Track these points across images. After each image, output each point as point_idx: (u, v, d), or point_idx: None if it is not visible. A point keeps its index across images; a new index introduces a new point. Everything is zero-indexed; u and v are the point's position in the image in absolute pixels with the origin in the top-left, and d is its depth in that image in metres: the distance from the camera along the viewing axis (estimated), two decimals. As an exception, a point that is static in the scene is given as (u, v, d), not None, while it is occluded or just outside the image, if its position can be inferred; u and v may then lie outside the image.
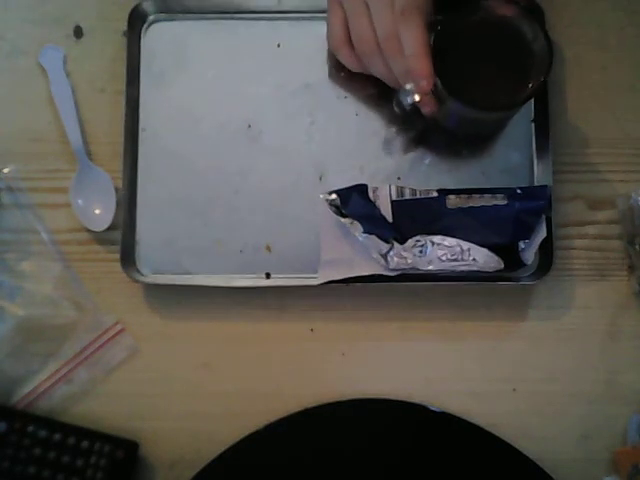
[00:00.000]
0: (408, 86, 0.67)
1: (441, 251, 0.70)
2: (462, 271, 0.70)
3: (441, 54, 0.65)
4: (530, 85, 0.66)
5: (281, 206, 0.74)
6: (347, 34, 0.70)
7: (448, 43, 0.66)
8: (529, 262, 0.71)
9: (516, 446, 0.70)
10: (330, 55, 0.75)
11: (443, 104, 0.68)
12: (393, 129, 0.75)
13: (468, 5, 0.66)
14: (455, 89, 0.65)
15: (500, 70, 0.67)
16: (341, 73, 0.74)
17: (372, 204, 0.71)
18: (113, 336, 0.73)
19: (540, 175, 0.74)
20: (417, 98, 0.67)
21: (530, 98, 0.67)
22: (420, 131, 0.74)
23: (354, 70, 0.72)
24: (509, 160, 0.74)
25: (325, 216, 0.72)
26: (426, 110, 0.69)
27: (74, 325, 0.73)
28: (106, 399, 0.73)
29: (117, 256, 0.72)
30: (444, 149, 0.74)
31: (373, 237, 0.70)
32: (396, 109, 0.72)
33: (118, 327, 0.73)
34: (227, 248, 0.73)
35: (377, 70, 0.70)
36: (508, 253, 0.70)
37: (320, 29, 0.75)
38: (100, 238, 0.74)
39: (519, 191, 0.71)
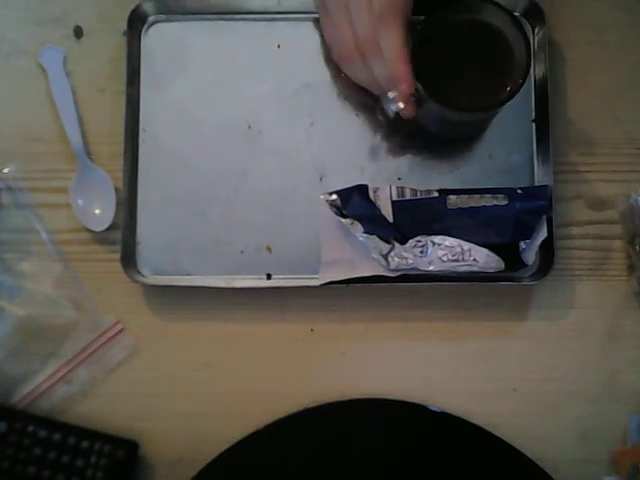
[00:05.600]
0: (391, 94, 0.67)
1: (442, 251, 0.70)
2: (463, 271, 0.70)
3: (420, 55, 0.65)
4: (509, 86, 0.66)
5: (281, 207, 0.74)
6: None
7: (427, 44, 0.66)
8: (530, 262, 0.71)
9: (516, 446, 0.70)
10: (328, 58, 0.75)
11: (424, 106, 0.68)
12: (379, 136, 0.75)
13: (448, 5, 0.66)
14: (434, 90, 0.65)
15: (479, 71, 0.67)
16: (342, 74, 0.74)
17: (373, 204, 0.71)
18: (113, 336, 0.73)
19: (540, 175, 0.74)
20: (401, 105, 0.67)
21: (509, 100, 0.66)
22: (405, 135, 0.74)
23: (360, 82, 0.72)
24: (510, 160, 0.74)
25: (326, 217, 0.72)
26: (406, 113, 0.68)
27: (74, 325, 0.73)
28: (106, 399, 0.73)
29: (117, 256, 0.72)
30: (437, 150, 0.74)
31: (374, 237, 0.70)
32: (380, 117, 0.73)
33: (118, 327, 0.73)
34: (228, 249, 0.73)
35: (359, 77, 0.70)
36: (509, 253, 0.70)
37: (320, 29, 0.75)
38: (100, 238, 0.74)
39: (520, 191, 0.71)
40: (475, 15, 0.66)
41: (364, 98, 0.74)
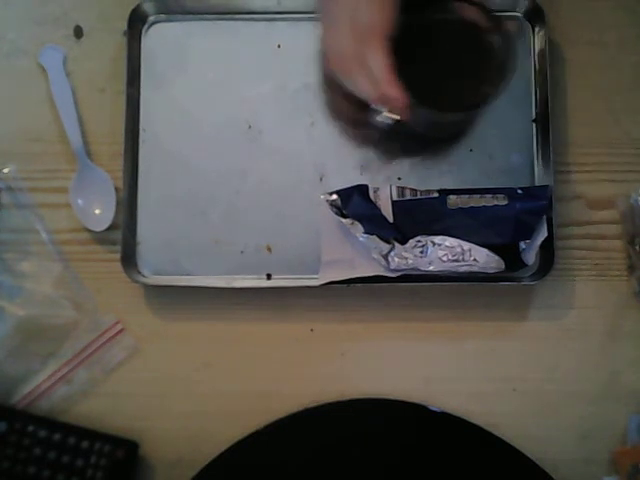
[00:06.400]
0: (381, 109, 0.67)
1: (442, 251, 0.70)
2: (463, 271, 0.70)
3: (402, 57, 0.65)
4: (492, 86, 0.66)
5: (282, 207, 0.74)
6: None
7: (409, 44, 0.66)
8: (530, 262, 0.71)
9: (516, 446, 0.70)
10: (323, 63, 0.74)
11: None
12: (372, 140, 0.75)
13: (431, 6, 0.66)
14: (418, 93, 0.65)
15: (462, 71, 0.67)
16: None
17: (373, 204, 0.71)
18: (113, 336, 0.73)
19: (541, 175, 0.74)
20: (394, 117, 0.67)
21: (491, 100, 0.66)
22: (392, 137, 0.74)
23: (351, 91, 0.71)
24: (510, 160, 0.74)
25: (326, 217, 0.72)
26: (403, 117, 0.68)
27: (74, 325, 0.73)
28: (106, 399, 0.73)
29: (117, 256, 0.72)
30: (437, 150, 0.74)
31: (374, 237, 0.70)
32: (371, 129, 0.72)
33: (118, 327, 0.73)
34: (228, 249, 0.73)
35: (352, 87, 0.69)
36: (509, 253, 0.70)
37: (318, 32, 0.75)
38: (100, 238, 0.74)
39: (520, 191, 0.71)
40: (457, 15, 0.66)
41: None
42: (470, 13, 0.66)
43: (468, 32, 0.67)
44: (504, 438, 0.71)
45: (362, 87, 0.67)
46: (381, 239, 0.70)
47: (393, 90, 0.64)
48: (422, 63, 0.66)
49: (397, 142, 0.74)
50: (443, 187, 0.72)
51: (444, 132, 0.75)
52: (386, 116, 0.67)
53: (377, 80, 0.65)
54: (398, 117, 0.67)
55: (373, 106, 0.68)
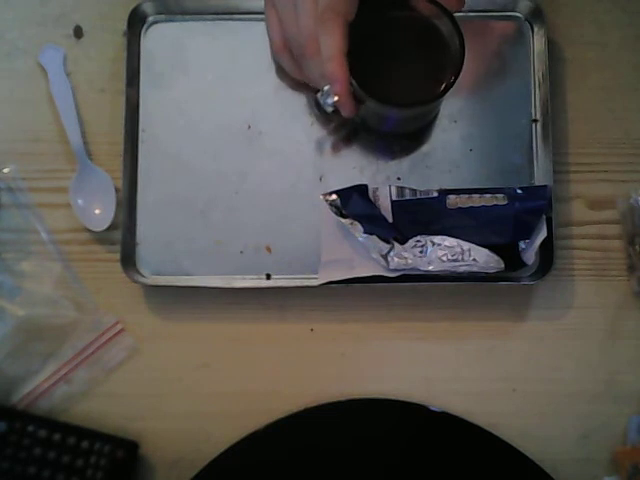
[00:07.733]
0: (326, 87, 0.67)
1: (441, 251, 0.70)
2: (462, 271, 0.70)
3: (357, 51, 0.65)
4: (444, 82, 0.66)
5: (281, 207, 0.74)
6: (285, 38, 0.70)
7: (364, 40, 0.66)
8: (530, 262, 0.71)
9: (516, 446, 0.70)
10: (275, 63, 0.75)
11: (362, 102, 0.68)
12: (324, 131, 0.75)
13: (385, 2, 0.67)
14: (369, 88, 0.65)
15: (415, 67, 0.68)
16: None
17: (372, 204, 0.71)
18: (113, 336, 0.73)
19: (540, 175, 0.74)
20: (336, 98, 0.67)
21: (443, 95, 0.66)
22: (348, 131, 0.75)
23: (298, 78, 0.72)
24: (509, 160, 0.74)
25: (325, 217, 0.72)
26: (345, 112, 0.68)
27: (74, 325, 0.73)
28: (106, 399, 0.73)
29: (117, 256, 0.72)
30: (436, 150, 0.74)
31: (373, 237, 0.69)
32: (315, 110, 0.73)
33: (118, 327, 0.73)
34: (227, 249, 0.73)
35: (303, 72, 0.70)
36: (509, 253, 0.70)
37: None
38: (100, 238, 0.74)
39: (519, 191, 0.71)
40: (410, 12, 0.67)
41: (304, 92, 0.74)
42: (421, 8, 0.66)
43: (420, 27, 0.67)
44: (504, 438, 0.71)
45: (314, 68, 0.67)
46: (380, 239, 0.70)
47: (338, 69, 0.64)
48: (374, 58, 0.67)
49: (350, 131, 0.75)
50: (443, 187, 0.72)
51: (399, 129, 0.75)
52: (329, 95, 0.67)
53: (326, 58, 0.65)
54: (337, 98, 0.67)
55: (320, 86, 0.68)
